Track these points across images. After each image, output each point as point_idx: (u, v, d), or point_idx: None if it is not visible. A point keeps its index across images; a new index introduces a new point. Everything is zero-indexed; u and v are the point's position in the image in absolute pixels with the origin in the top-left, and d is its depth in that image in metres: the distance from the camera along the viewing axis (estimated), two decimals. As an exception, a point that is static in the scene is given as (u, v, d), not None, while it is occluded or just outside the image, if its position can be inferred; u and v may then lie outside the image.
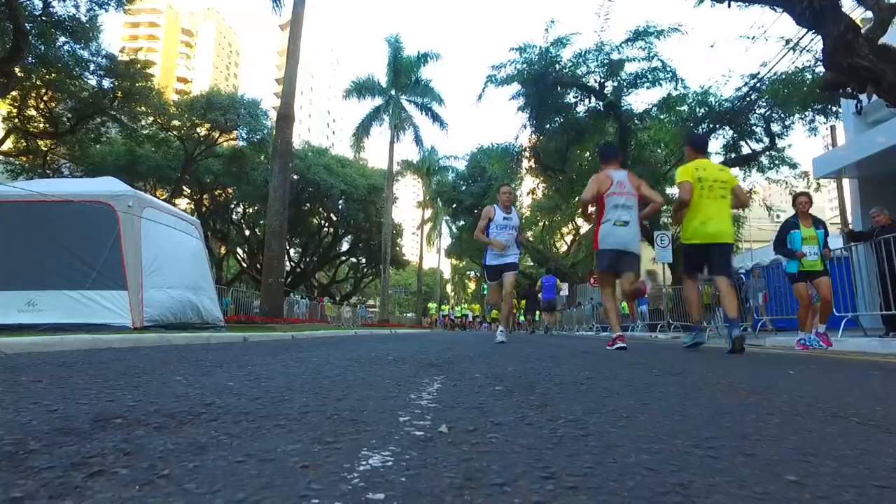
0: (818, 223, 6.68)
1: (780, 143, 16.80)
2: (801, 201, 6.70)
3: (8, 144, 22.21)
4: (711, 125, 16.71)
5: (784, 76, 13.84)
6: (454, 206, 34.24)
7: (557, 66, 16.49)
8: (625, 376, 2.68)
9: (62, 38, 18.30)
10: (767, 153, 17.05)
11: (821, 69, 12.49)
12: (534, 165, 20.68)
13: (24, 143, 22.23)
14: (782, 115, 15.85)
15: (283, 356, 3.85)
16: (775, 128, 16.40)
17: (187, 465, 0.96)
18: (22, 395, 1.73)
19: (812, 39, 12.07)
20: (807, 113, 15.33)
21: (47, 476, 0.91)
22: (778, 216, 19.35)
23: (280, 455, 1.04)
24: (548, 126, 18.01)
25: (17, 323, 6.94)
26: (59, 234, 7.57)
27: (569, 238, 36.96)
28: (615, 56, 16.24)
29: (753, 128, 16.67)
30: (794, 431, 1.34)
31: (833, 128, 19.27)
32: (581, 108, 17.84)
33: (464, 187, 32.77)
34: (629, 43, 15.93)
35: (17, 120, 20.79)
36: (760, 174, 17.70)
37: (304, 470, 0.95)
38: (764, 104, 15.70)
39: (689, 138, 7.67)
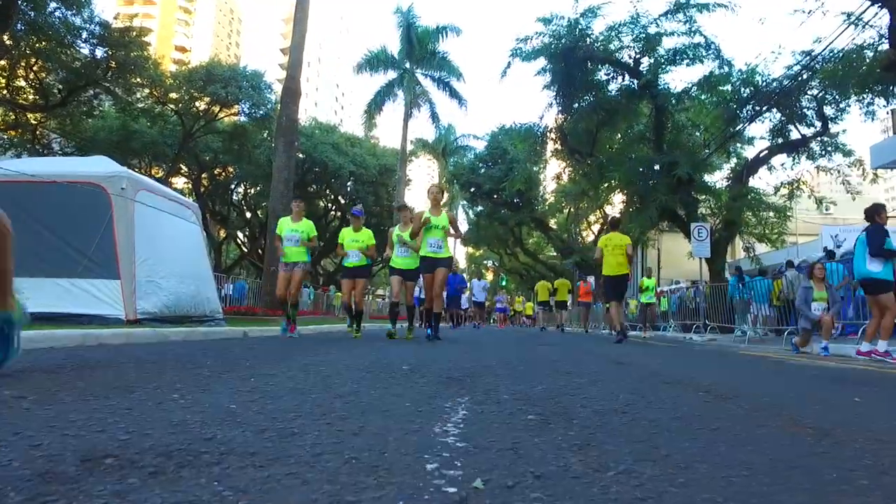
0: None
1: (833, 128, 16.45)
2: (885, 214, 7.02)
3: (-4, 118, 22.41)
4: (757, 107, 16.39)
5: (842, 54, 13.48)
6: (472, 190, 34.03)
7: (588, 40, 16.23)
8: (669, 402, 2.59)
9: (53, 4, 18.33)
10: (819, 139, 16.70)
11: (884, 46, 12.17)
12: (560, 148, 20.47)
13: (13, 117, 22.38)
14: (837, 98, 15.48)
15: (287, 362, 3.80)
16: (829, 111, 16.05)
17: (188, 542, 0.89)
18: (4, 418, 1.68)
19: (876, 13, 11.73)
20: (865, 95, 14.95)
21: (27, 551, 0.85)
22: (828, 209, 19.00)
23: (294, 525, 0.97)
24: (576, 105, 17.79)
25: (3, 312, 6.97)
26: (46, 217, 7.58)
27: (596, 227, 36.68)
28: (652, 30, 15.95)
29: (804, 111, 16.32)
30: (888, 499, 1.24)
31: (894, 112, 18.83)
32: (613, 87, 17.59)
33: (483, 170, 32.51)
34: (668, 15, 15.62)
35: (5, 91, 20.92)
36: (810, 162, 17.33)
37: (325, 552, 0.88)
38: (817, 85, 15.35)
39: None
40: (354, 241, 8.54)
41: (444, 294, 9.19)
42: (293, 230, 8.11)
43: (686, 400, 2.68)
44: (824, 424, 2.13)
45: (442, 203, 8.15)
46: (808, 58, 14.47)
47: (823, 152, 17.11)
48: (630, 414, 2.20)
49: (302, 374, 3.10)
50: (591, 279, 21.26)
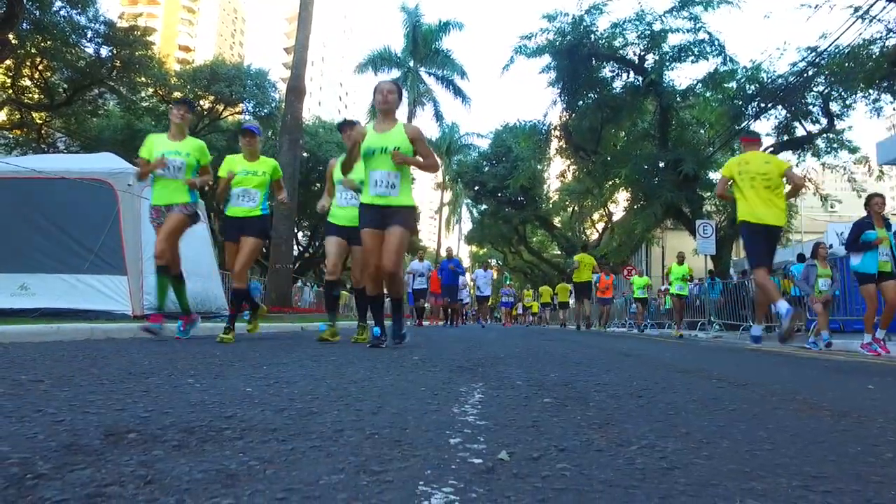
0: (888, 225, 6.75)
1: (839, 125, 16.37)
2: (877, 202, 6.72)
3: (1, 117, 22.45)
4: (762, 104, 16.33)
5: (848, 49, 13.42)
6: (476, 188, 33.97)
7: (592, 37, 16.20)
8: (683, 388, 2.58)
9: (58, 3, 18.38)
10: (824, 135, 16.62)
11: (893, 41, 12.12)
12: (564, 145, 20.44)
13: (19, 116, 22.45)
14: (843, 94, 15.41)
15: (297, 353, 3.80)
16: (834, 107, 15.96)
17: (220, 503, 0.89)
18: (24, 399, 1.68)
19: (885, 7, 11.67)
20: (871, 91, 14.87)
21: (61, 512, 0.85)
22: (833, 206, 18.92)
23: (325, 490, 0.96)
24: (581, 102, 17.75)
25: (8, 308, 7.00)
26: (54, 213, 7.60)
27: (600, 226, 36.61)
28: (657, 26, 15.90)
29: (809, 107, 16.24)
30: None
31: (900, 108, 18.71)
32: (618, 84, 17.54)
33: (487, 168, 32.45)
34: (673, 12, 15.58)
35: (10, 91, 20.98)
36: (815, 159, 17.25)
37: (358, 512, 0.87)
38: (823, 81, 15.28)
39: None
40: (250, 173, 5.37)
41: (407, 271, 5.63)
42: (173, 151, 5.26)
43: (700, 386, 2.68)
44: (841, 407, 2.12)
45: (410, 118, 5.03)
46: (813, 54, 14.41)
47: (829, 149, 17.03)
48: (646, 398, 2.20)
49: (313, 363, 3.10)
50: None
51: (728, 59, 15.66)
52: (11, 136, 22.88)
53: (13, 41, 17.34)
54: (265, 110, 26.18)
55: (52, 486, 0.94)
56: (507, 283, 36.15)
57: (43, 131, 23.54)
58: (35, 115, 22.77)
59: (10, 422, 1.37)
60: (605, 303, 17.87)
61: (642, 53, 16.57)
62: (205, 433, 1.34)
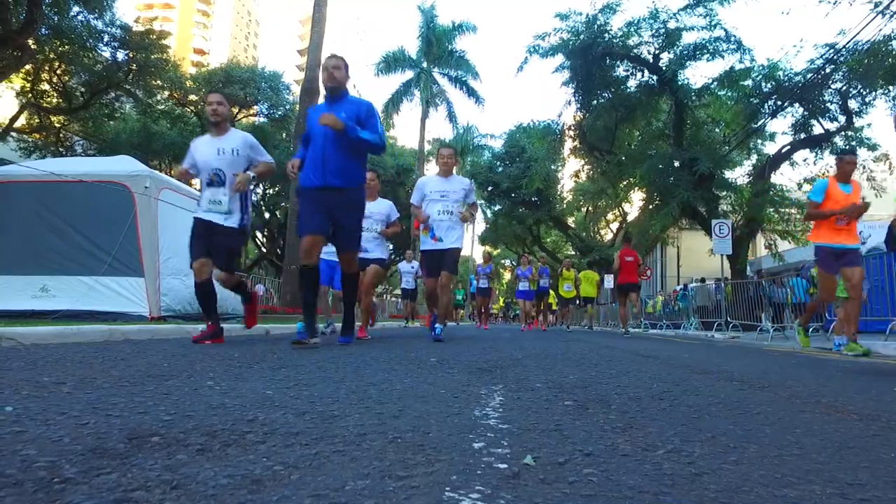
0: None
1: (857, 122, 16.16)
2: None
3: (21, 121, 22.77)
4: (779, 102, 16.16)
5: (868, 46, 13.24)
6: (489, 188, 33.89)
7: (606, 36, 16.12)
8: (704, 390, 2.55)
9: (76, 8, 18.60)
10: (843, 133, 16.42)
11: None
12: (578, 145, 20.38)
13: (38, 120, 22.76)
14: (862, 91, 15.21)
15: (315, 356, 3.80)
16: (853, 105, 15.77)
17: (249, 509, 0.89)
18: (48, 401, 1.69)
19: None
20: (891, 88, 14.67)
21: (89, 517, 0.84)
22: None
23: (351, 496, 0.95)
24: (595, 102, 17.68)
25: (29, 309, 7.09)
26: (72, 216, 7.69)
27: (614, 226, 36.43)
28: (672, 24, 15.79)
29: (827, 105, 16.05)
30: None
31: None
32: (632, 83, 17.45)
33: (500, 168, 32.37)
34: (688, 10, 15.46)
35: (30, 95, 21.28)
36: (834, 156, 17.04)
37: (387, 519, 0.86)
38: (841, 78, 15.09)
39: None
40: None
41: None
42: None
43: (721, 388, 2.64)
44: (869, 411, 2.08)
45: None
46: (831, 50, 14.24)
47: (847, 147, 16.82)
48: (667, 400, 2.17)
49: (332, 365, 3.09)
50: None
51: (745, 51, 15.49)
52: (31, 139, 23.20)
53: (33, 46, 17.59)
54: (279, 112, 26.38)
55: (79, 490, 0.94)
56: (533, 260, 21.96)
57: (61, 135, 23.85)
58: (53, 118, 23.09)
59: (36, 424, 1.38)
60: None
61: (657, 52, 16.47)
62: (227, 437, 1.34)
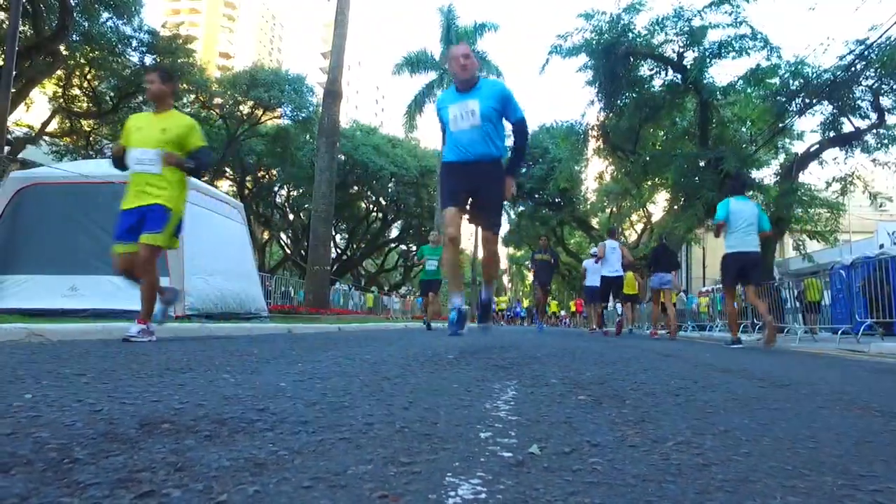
0: None
1: (890, 120, 15.76)
2: None
3: (53, 125, 23.31)
4: (807, 100, 15.85)
5: (900, 41, 12.92)
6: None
7: (630, 35, 15.94)
8: (723, 387, 2.51)
9: (105, 14, 19.00)
10: (874, 131, 16.03)
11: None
12: (602, 146, 20.18)
13: (69, 124, 23.29)
14: (895, 87, 14.84)
15: (333, 352, 3.83)
16: (885, 102, 15.37)
17: (247, 490, 0.89)
18: (66, 390, 1.73)
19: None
20: (924, 84, 14.30)
21: (94, 495, 0.86)
22: (882, 205, 18.21)
23: (351, 479, 0.96)
24: (619, 102, 17.51)
25: (59, 308, 7.24)
26: (100, 216, 7.82)
27: (639, 227, 36.07)
28: (696, 22, 15.58)
29: (858, 102, 15.68)
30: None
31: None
32: (657, 82, 17.25)
33: (523, 169, 32.31)
34: (713, 7, 15.24)
35: (61, 100, 21.77)
36: (865, 155, 16.63)
37: (384, 501, 0.87)
38: (872, 74, 14.74)
39: None
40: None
41: None
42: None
43: (740, 385, 2.60)
44: (892, 408, 2.03)
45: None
46: (862, 46, 13.92)
47: (879, 145, 16.37)
48: (683, 396, 2.14)
49: (348, 361, 3.11)
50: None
51: (773, 49, 15.22)
52: (62, 143, 23.74)
53: (64, 52, 18.01)
54: (303, 114, 26.61)
55: (86, 469, 0.96)
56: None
57: (91, 138, 24.36)
58: (84, 122, 23.59)
59: (52, 410, 1.41)
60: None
61: (682, 51, 16.26)
62: (236, 424, 1.36)
